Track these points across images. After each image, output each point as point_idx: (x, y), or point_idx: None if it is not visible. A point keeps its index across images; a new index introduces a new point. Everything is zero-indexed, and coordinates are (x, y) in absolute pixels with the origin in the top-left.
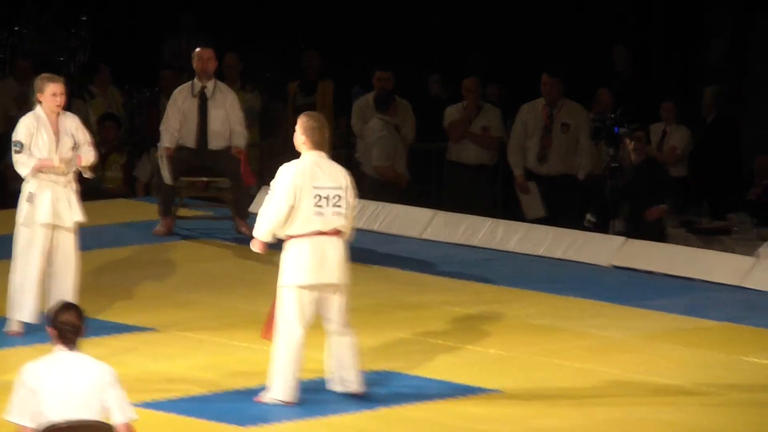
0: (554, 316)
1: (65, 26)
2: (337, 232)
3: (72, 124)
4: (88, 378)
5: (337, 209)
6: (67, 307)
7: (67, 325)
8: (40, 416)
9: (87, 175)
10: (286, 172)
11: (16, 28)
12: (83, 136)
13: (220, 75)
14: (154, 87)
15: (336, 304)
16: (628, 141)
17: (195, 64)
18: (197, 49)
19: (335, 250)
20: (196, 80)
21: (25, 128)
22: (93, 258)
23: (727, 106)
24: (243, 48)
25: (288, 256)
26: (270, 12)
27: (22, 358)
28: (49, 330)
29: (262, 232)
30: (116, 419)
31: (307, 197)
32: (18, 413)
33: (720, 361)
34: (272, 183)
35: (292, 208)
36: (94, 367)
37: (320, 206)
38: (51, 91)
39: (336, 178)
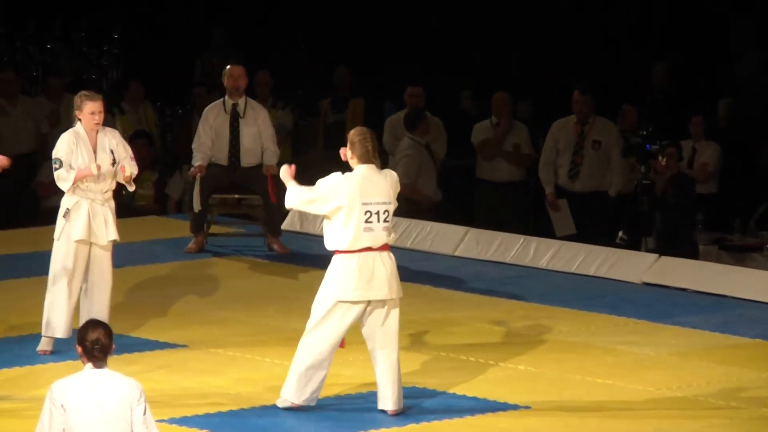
0: (585, 333)
1: (97, 43)
2: (386, 247)
3: (113, 140)
4: (116, 394)
5: (386, 224)
6: (94, 325)
7: (95, 344)
8: None
9: (131, 188)
10: (335, 181)
11: (49, 46)
12: (124, 151)
13: (251, 92)
14: (186, 104)
15: (383, 320)
16: (660, 157)
17: (226, 82)
18: (228, 67)
19: (384, 266)
20: (227, 97)
21: (65, 145)
22: (125, 275)
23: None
24: (274, 65)
25: (334, 271)
26: (301, 28)
27: (53, 374)
28: (78, 348)
29: (292, 201)
30: None
31: (357, 213)
32: (47, 430)
33: (751, 378)
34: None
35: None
36: (123, 383)
37: (370, 222)
38: (89, 110)
39: (386, 192)
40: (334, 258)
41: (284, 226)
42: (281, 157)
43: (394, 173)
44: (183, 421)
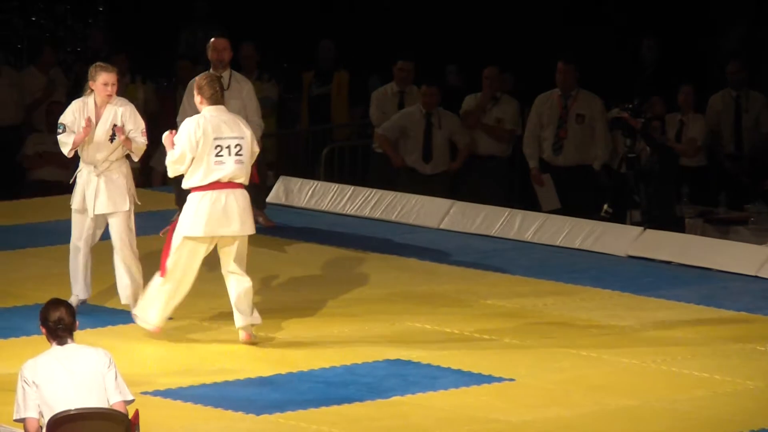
0: (570, 306)
1: (82, 17)
2: (239, 185)
3: (124, 112)
4: (86, 364)
5: (238, 158)
6: (55, 304)
7: (58, 323)
8: (46, 408)
9: (134, 157)
10: (187, 126)
11: (33, 19)
12: (134, 123)
13: (236, 65)
14: (171, 78)
15: (235, 253)
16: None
17: (210, 55)
18: (212, 40)
19: (236, 202)
20: (211, 70)
21: (70, 112)
22: (109, 247)
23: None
24: (259, 38)
25: (188, 207)
26: (286, 1)
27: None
28: (42, 329)
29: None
30: (113, 399)
31: (208, 148)
32: (23, 410)
33: (735, 351)
34: (175, 138)
35: (193, 159)
36: (92, 353)
37: (221, 156)
38: (103, 81)
39: (237, 127)
40: (189, 195)
41: (269, 199)
42: (266, 129)
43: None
44: (166, 393)
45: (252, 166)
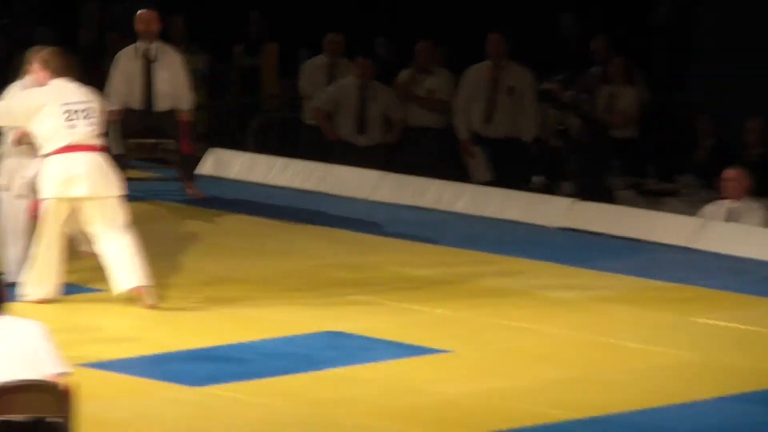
0: (502, 277)
1: None
2: (94, 148)
3: None
4: (21, 337)
5: (90, 121)
6: None
7: None
8: None
9: None
10: (33, 92)
11: None
12: None
13: (166, 37)
14: (100, 50)
15: (101, 215)
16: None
17: (137, 26)
18: (139, 12)
19: (87, 165)
20: (139, 42)
21: None
22: None
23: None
24: (188, 9)
25: (42, 172)
26: None
27: None
28: None
29: None
30: (48, 371)
31: (57, 113)
32: None
33: (669, 322)
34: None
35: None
36: (27, 325)
37: (72, 120)
38: None
39: (84, 94)
40: (44, 161)
41: (199, 170)
42: (197, 101)
43: None
44: (101, 365)
45: (182, 137)
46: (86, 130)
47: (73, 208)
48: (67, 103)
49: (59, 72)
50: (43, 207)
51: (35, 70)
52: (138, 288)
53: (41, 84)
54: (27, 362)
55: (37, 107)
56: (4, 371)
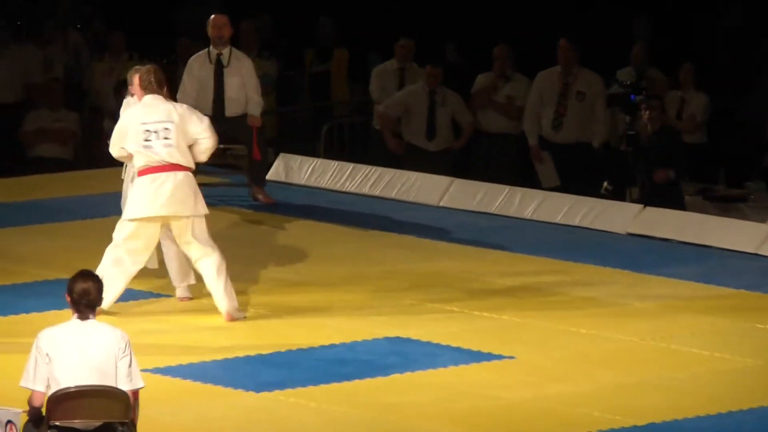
0: (570, 284)
1: None
2: (179, 167)
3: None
4: (102, 345)
5: (167, 142)
6: (84, 276)
7: (83, 297)
8: (53, 382)
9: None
10: (123, 115)
11: None
12: None
13: (236, 42)
14: (170, 55)
15: (190, 233)
16: (643, 110)
17: (210, 32)
18: (212, 16)
19: (172, 185)
20: (211, 48)
21: None
22: (110, 224)
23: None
24: (259, 15)
25: (131, 192)
26: None
27: (42, 323)
28: (67, 297)
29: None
30: (122, 387)
31: (136, 133)
32: (32, 379)
33: (734, 329)
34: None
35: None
36: (109, 334)
37: (149, 141)
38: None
39: (165, 113)
40: (134, 181)
41: (269, 176)
42: (266, 107)
43: (184, 105)
44: (166, 370)
45: (252, 143)
46: (163, 150)
47: (162, 226)
48: (145, 122)
49: (151, 89)
50: (128, 226)
51: (134, 88)
52: (229, 315)
53: (138, 101)
54: (102, 374)
55: (122, 130)
56: (79, 378)
